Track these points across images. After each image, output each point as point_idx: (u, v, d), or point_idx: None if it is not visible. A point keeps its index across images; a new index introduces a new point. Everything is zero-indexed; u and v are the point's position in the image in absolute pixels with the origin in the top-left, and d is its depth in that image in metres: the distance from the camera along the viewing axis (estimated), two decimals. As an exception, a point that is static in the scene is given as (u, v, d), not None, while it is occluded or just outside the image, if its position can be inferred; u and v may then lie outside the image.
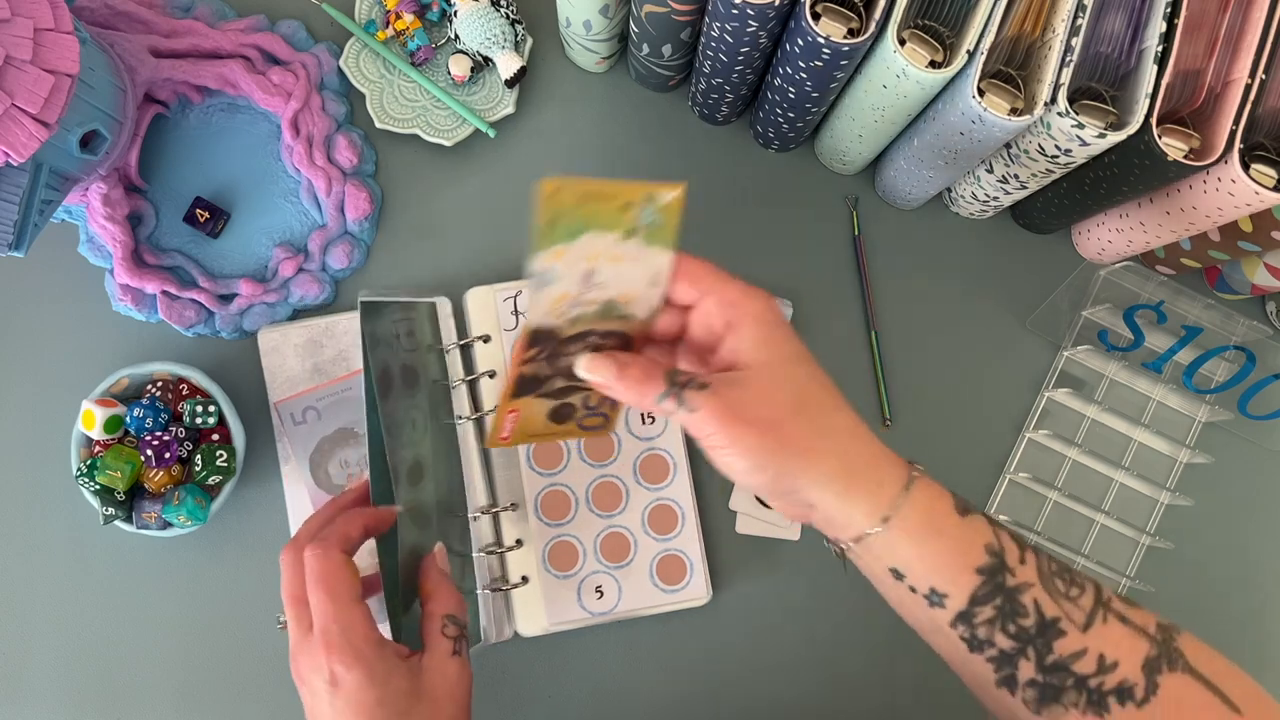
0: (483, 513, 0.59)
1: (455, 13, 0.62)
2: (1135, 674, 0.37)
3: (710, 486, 0.63)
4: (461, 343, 0.61)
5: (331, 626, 0.44)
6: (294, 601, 0.46)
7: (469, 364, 0.62)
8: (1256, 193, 0.49)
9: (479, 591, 0.57)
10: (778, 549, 0.63)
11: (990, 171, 0.58)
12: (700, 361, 0.43)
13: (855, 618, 0.63)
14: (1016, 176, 0.57)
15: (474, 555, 0.58)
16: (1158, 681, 0.37)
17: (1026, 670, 0.38)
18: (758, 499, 0.63)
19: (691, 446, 0.62)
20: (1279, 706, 0.38)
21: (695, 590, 0.60)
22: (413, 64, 0.63)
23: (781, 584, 0.63)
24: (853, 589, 0.63)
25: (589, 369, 0.41)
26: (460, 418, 0.60)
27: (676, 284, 0.41)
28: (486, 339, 0.61)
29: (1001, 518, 0.64)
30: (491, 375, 0.61)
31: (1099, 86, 0.51)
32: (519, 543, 0.59)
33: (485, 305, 0.61)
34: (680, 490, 0.61)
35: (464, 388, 0.61)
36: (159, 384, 0.58)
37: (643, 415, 0.62)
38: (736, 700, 0.62)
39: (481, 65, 0.63)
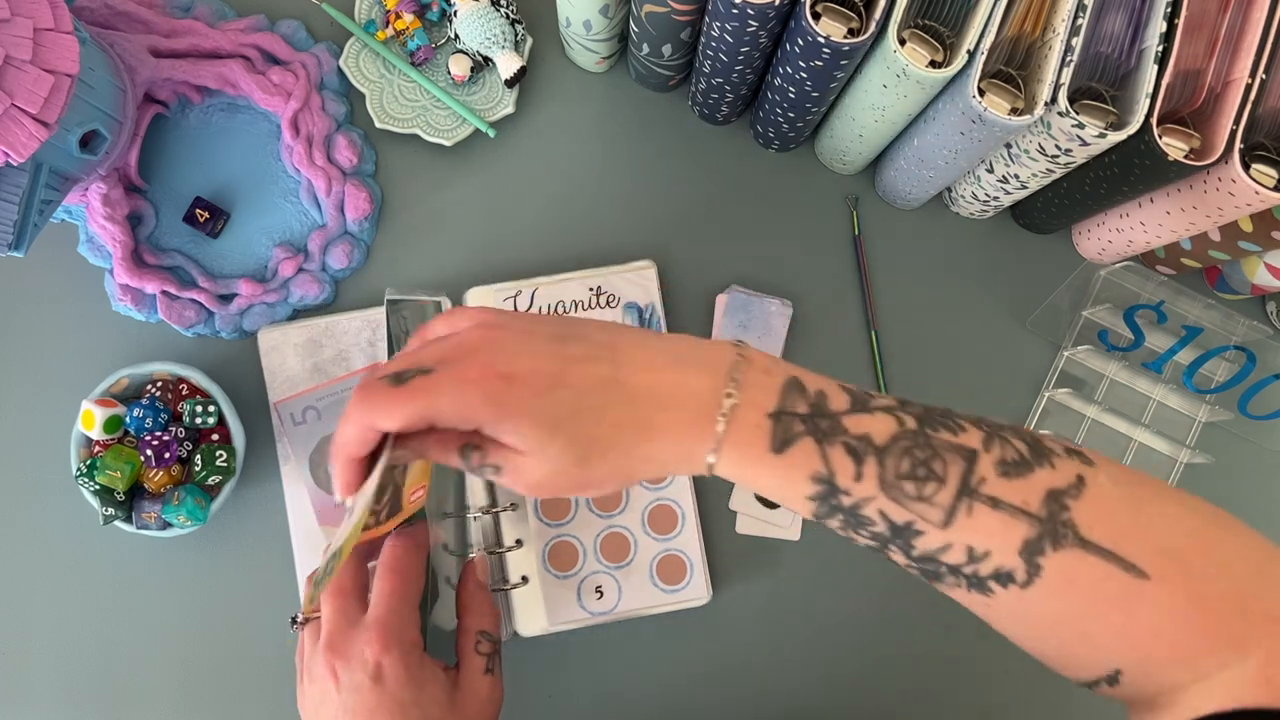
0: (483, 513, 0.59)
1: (455, 12, 0.62)
2: (1012, 560, 0.34)
3: (710, 486, 0.62)
4: None
5: (392, 619, 0.43)
6: (341, 593, 0.45)
7: None
8: (1257, 192, 0.49)
9: None
10: (778, 549, 0.63)
11: (990, 171, 0.58)
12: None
13: (855, 617, 0.63)
14: (1017, 176, 0.57)
15: (473, 555, 0.58)
16: (1040, 564, 0.34)
17: (899, 558, 0.37)
18: (758, 499, 0.63)
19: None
20: (1202, 558, 0.33)
21: (695, 590, 0.60)
22: (412, 64, 0.63)
23: (781, 584, 0.63)
24: (853, 589, 0.63)
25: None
26: None
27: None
28: None
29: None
30: None
31: (1099, 86, 0.51)
32: (519, 543, 0.59)
33: (486, 305, 0.61)
34: (680, 490, 0.61)
35: None
36: (159, 384, 0.58)
37: None
38: (736, 700, 0.62)
39: (481, 65, 0.63)
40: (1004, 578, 0.34)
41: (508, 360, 0.35)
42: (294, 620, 0.48)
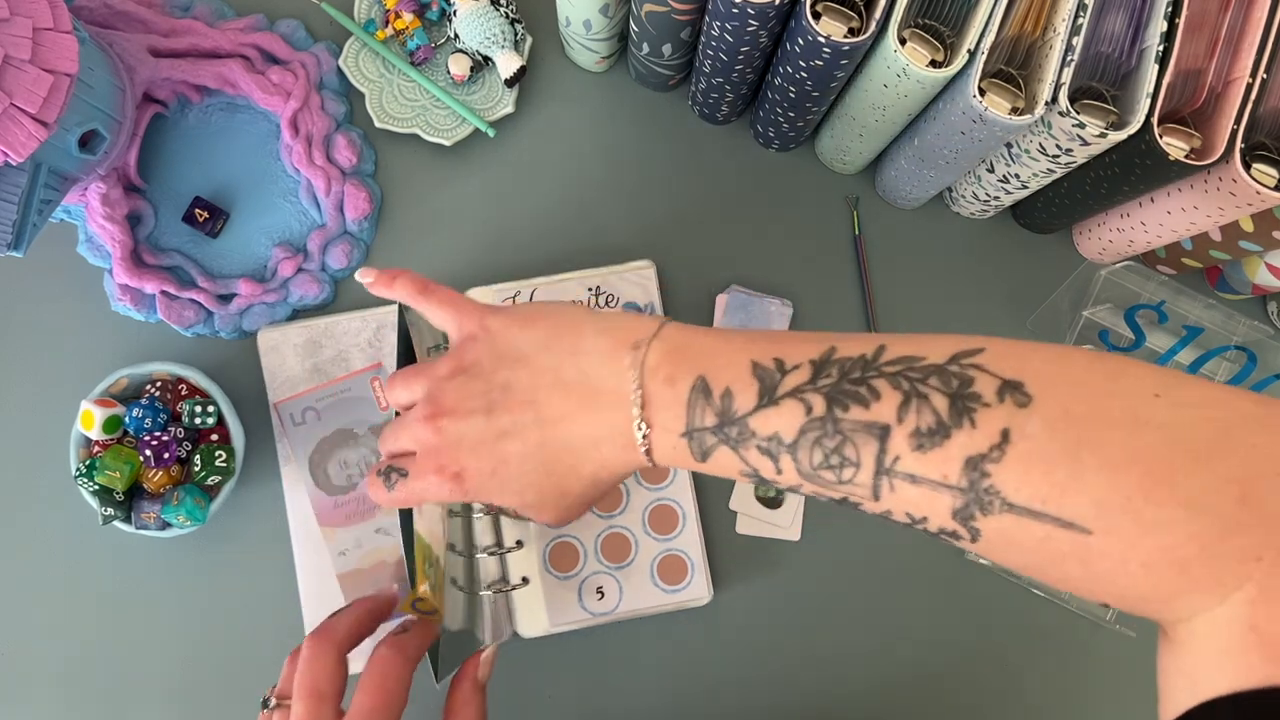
0: (484, 513, 0.59)
1: (455, 12, 0.61)
2: (950, 523, 0.33)
3: (711, 486, 0.62)
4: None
5: None
6: (317, 696, 0.43)
7: None
8: (1258, 192, 0.49)
9: (482, 594, 0.57)
10: (778, 549, 0.63)
11: (991, 171, 0.58)
12: None
13: (856, 618, 0.63)
14: (1017, 176, 0.56)
15: (477, 557, 0.58)
16: (977, 527, 0.32)
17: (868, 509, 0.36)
18: (758, 499, 0.63)
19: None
20: (1154, 506, 0.29)
21: (696, 590, 0.60)
22: (412, 63, 0.63)
23: (782, 584, 0.62)
24: (854, 589, 0.63)
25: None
26: None
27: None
28: None
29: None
30: None
31: (1100, 86, 0.51)
32: (519, 544, 0.59)
33: (475, 306, 0.61)
34: (681, 490, 0.61)
35: None
36: (158, 384, 0.58)
37: None
38: (737, 700, 0.62)
39: (481, 65, 0.63)
40: (951, 535, 0.33)
41: (453, 459, 0.40)
42: (264, 702, 0.45)
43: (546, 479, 0.40)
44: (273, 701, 0.45)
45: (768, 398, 0.35)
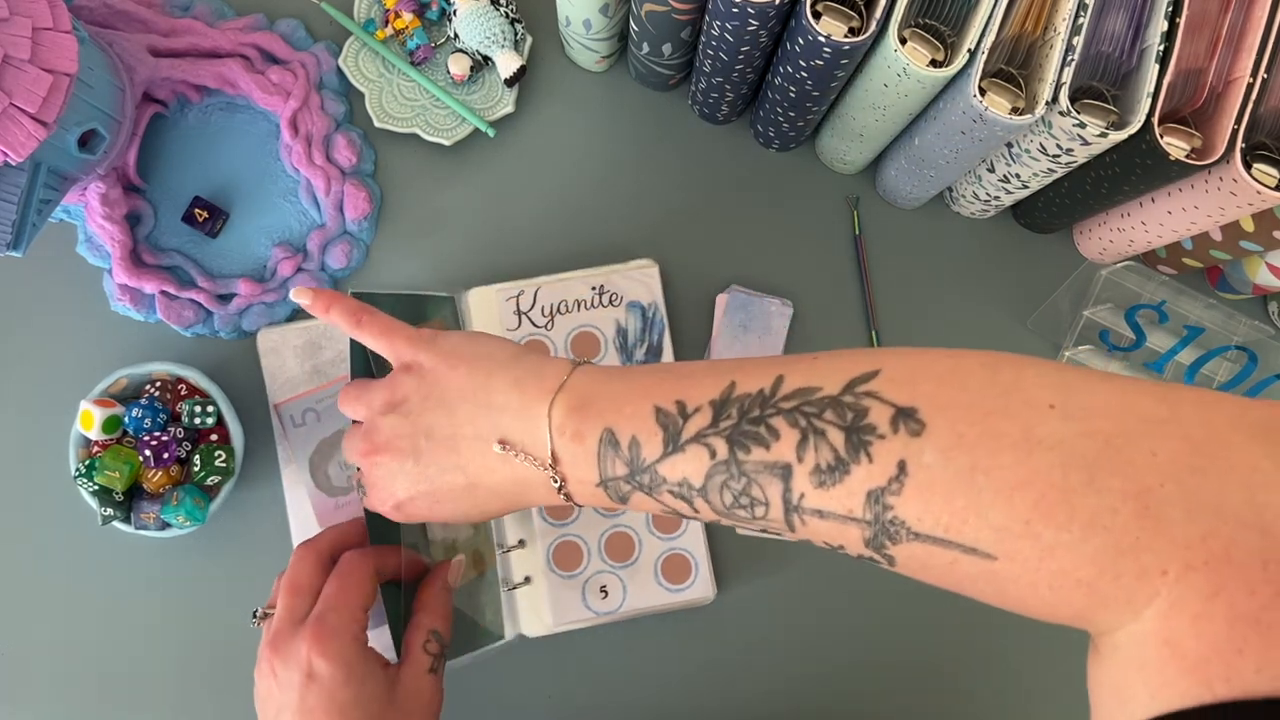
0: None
1: (454, 12, 0.61)
2: (865, 550, 0.33)
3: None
4: None
5: (331, 617, 0.44)
6: (295, 590, 0.47)
7: None
8: (1258, 192, 0.49)
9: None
10: (782, 547, 0.63)
11: (991, 171, 0.58)
12: None
13: (860, 616, 0.63)
14: (1018, 176, 0.56)
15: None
16: (890, 554, 0.32)
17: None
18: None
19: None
20: (1044, 527, 0.28)
21: (700, 589, 0.60)
22: (412, 63, 0.63)
23: (786, 582, 0.62)
24: (857, 587, 0.63)
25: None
26: None
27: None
28: None
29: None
30: None
31: (1100, 86, 0.51)
32: (521, 543, 0.59)
33: (488, 305, 0.61)
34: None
35: None
36: (157, 384, 0.58)
37: None
38: (741, 699, 0.62)
39: (481, 64, 0.63)
40: (871, 560, 0.34)
41: (390, 492, 0.43)
42: (254, 614, 0.49)
43: (487, 509, 0.43)
44: (260, 612, 0.49)
45: (672, 445, 0.36)
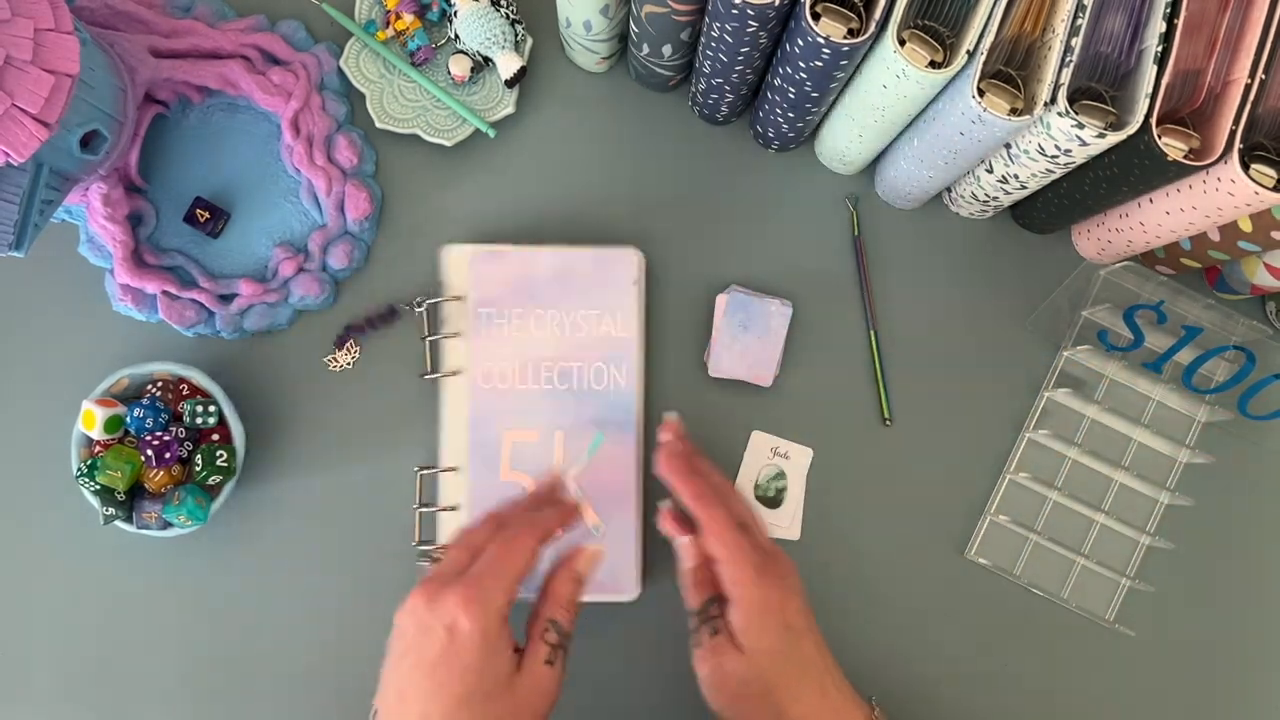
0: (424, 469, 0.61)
1: (455, 13, 0.62)
2: None
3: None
4: (433, 301, 0.62)
5: (485, 580, 0.45)
6: (468, 547, 0.47)
7: (434, 323, 0.62)
8: (1256, 193, 0.49)
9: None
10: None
11: (990, 171, 0.58)
12: None
13: (855, 615, 0.63)
14: (1016, 176, 0.57)
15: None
16: None
17: None
18: (758, 499, 0.63)
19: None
20: None
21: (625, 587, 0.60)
22: (413, 64, 0.63)
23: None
24: (855, 586, 0.63)
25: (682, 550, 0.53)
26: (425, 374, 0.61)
27: (706, 539, 0.49)
28: (460, 299, 0.61)
29: (1001, 518, 0.64)
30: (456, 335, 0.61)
31: (1099, 86, 0.51)
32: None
33: (459, 265, 0.62)
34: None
35: (426, 345, 0.62)
36: (159, 384, 0.58)
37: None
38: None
39: (481, 65, 0.63)
40: None
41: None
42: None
43: (765, 693, 0.48)
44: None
45: None
